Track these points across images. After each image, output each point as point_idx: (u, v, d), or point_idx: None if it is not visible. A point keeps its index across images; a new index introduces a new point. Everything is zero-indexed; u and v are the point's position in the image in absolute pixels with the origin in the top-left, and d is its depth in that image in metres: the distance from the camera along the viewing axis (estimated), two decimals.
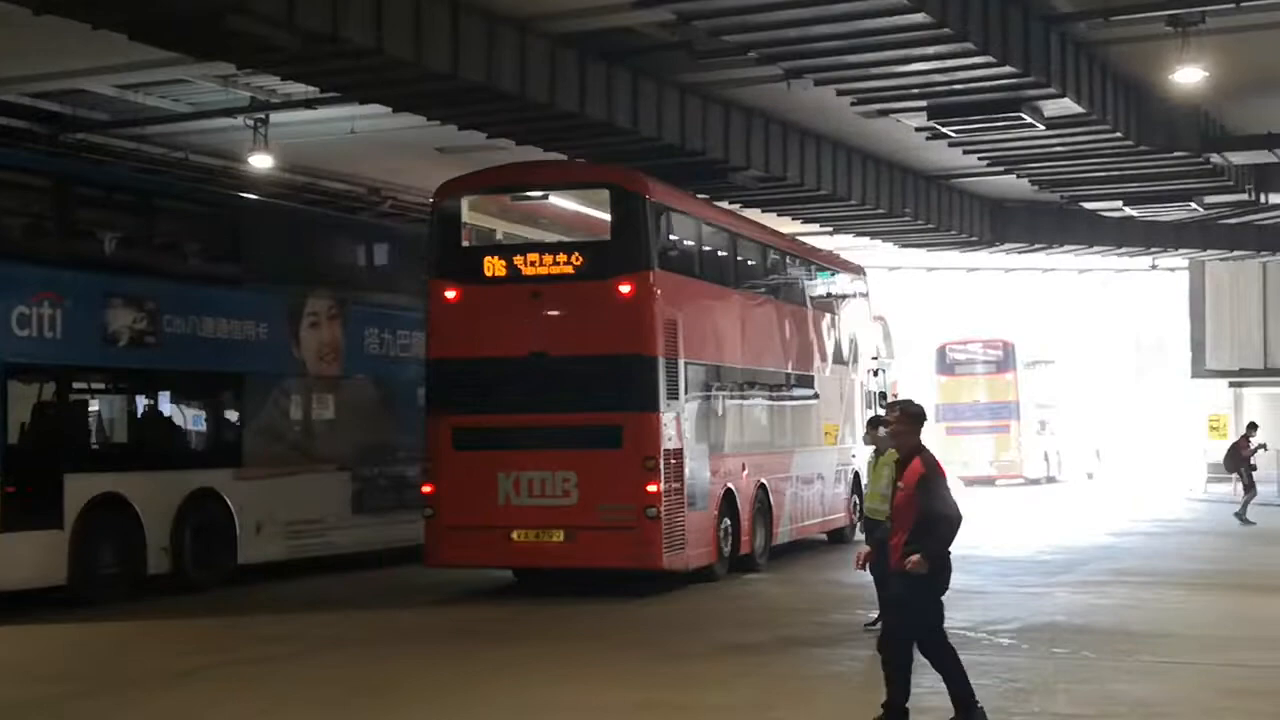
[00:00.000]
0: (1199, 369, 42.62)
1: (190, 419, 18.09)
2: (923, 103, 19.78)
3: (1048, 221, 31.64)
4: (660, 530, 16.10)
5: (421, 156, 24.19)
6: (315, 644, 13.51)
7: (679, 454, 16.65)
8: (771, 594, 17.31)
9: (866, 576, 12.54)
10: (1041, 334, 52.11)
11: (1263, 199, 28.44)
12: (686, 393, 17.09)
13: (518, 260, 16.88)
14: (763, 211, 25.66)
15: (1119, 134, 21.99)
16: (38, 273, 15.52)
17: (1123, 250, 34.12)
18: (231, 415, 18.18)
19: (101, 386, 16.89)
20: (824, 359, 22.63)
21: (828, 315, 22.90)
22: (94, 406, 16.78)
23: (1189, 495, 37.09)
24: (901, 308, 39.69)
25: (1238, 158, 24.93)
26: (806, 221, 28.47)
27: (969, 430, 44.25)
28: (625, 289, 16.36)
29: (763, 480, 19.45)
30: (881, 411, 15.68)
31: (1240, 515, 27.54)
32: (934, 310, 51.06)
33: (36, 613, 15.01)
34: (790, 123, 23.00)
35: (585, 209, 18.08)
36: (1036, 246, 33.20)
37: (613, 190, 17.05)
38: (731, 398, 18.92)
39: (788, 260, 22.06)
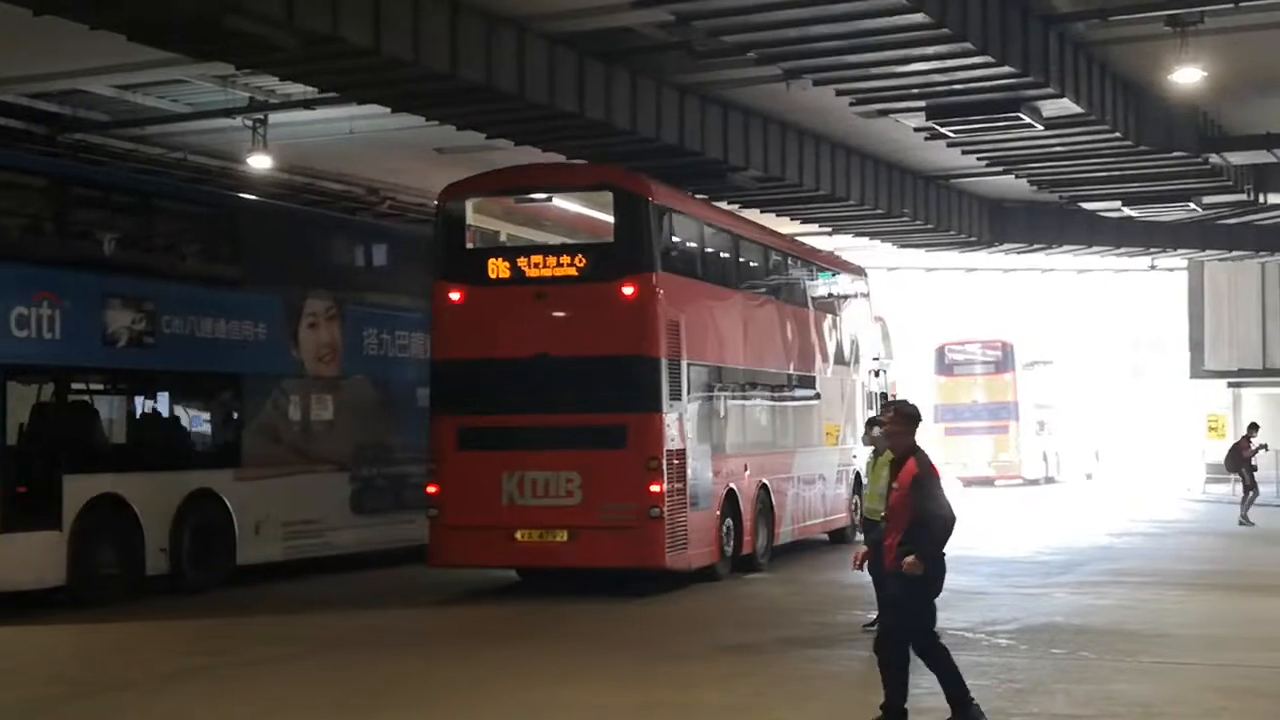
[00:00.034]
0: (1197, 369, 42.66)
1: (189, 420, 18.09)
2: (921, 103, 19.77)
3: (1046, 222, 31.62)
4: (663, 530, 16.17)
5: (420, 157, 24.19)
6: (314, 645, 13.50)
7: (682, 454, 16.71)
8: (773, 594, 17.33)
9: (866, 577, 12.54)
10: (1040, 334, 52.16)
11: (1261, 199, 28.44)
12: (689, 393, 17.15)
13: (521, 262, 16.98)
14: (761, 212, 25.65)
15: (1118, 134, 21.99)
16: (36, 273, 15.51)
17: (1121, 250, 34.10)
18: (230, 416, 18.17)
19: (100, 387, 16.88)
20: (825, 360, 22.67)
21: (829, 316, 22.94)
22: (93, 407, 16.76)
23: (1188, 496, 37.12)
24: (900, 308, 39.69)
25: (1236, 158, 24.93)
26: (805, 222, 28.46)
27: (968, 431, 44.29)
28: (628, 291, 16.44)
29: (765, 480, 19.48)
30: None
31: (1244, 519, 27.52)
32: (933, 311, 51.10)
33: (35, 614, 15.01)
34: (789, 123, 22.99)
35: (589, 211, 18.14)
36: (1035, 247, 33.18)
37: (616, 192, 17.13)
38: (734, 398, 18.98)
39: (789, 261, 22.12)
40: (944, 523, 9.00)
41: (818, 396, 22.17)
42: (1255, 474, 28.55)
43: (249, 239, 18.81)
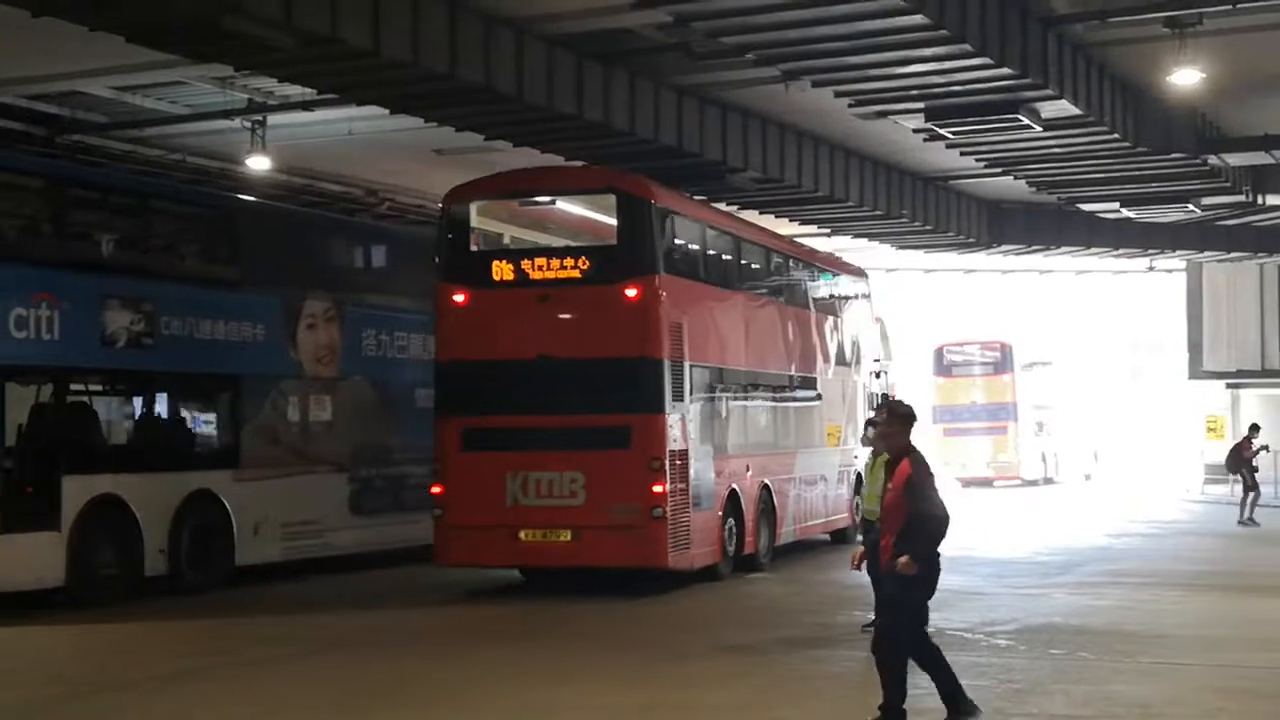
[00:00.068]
0: (1196, 370, 42.63)
1: (188, 421, 18.11)
2: (920, 104, 19.77)
3: (1045, 223, 31.63)
4: (666, 530, 16.24)
5: (419, 158, 24.20)
6: (313, 645, 13.49)
7: (684, 455, 16.77)
8: (775, 594, 17.35)
9: (867, 577, 12.54)
10: (1039, 336, 52.14)
11: (1260, 200, 28.44)
12: (691, 394, 17.21)
13: (525, 264, 17.05)
14: (760, 213, 25.65)
15: (1116, 135, 22.00)
16: (35, 274, 15.51)
17: (1120, 252, 34.10)
18: (229, 417, 18.16)
19: (99, 388, 16.89)
20: (827, 361, 22.70)
21: (830, 317, 22.98)
22: (92, 408, 16.76)
23: (1186, 496, 37.12)
24: (899, 309, 39.70)
25: (1235, 159, 24.94)
26: (804, 223, 28.47)
27: (966, 432, 44.26)
28: (631, 293, 16.51)
29: (766, 481, 19.52)
30: None
31: (1248, 519, 27.52)
32: (931, 312, 51.11)
33: (35, 614, 14.99)
34: (788, 124, 23.00)
35: (592, 214, 18.20)
36: (1034, 248, 33.18)
37: (619, 195, 17.21)
38: (736, 399, 19.04)
39: (791, 263, 22.17)
40: (938, 523, 9.01)
41: (819, 397, 22.20)
42: (1256, 474, 28.55)
43: (248, 240, 18.81)
